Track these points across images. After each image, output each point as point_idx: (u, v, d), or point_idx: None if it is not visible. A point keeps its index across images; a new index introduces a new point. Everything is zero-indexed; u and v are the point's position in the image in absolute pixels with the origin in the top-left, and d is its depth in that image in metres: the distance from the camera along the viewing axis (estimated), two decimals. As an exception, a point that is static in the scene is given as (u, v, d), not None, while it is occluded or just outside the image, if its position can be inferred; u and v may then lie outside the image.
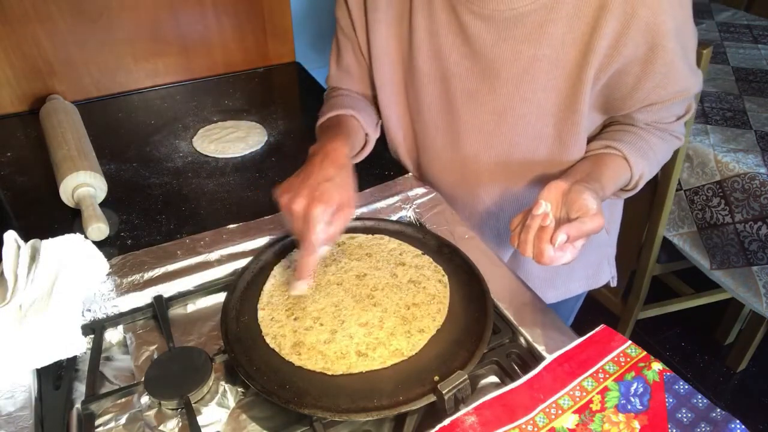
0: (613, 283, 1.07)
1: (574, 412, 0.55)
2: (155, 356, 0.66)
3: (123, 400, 0.61)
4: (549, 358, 0.60)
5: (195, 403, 0.60)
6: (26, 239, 0.71)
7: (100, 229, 0.80)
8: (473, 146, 0.86)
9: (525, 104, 0.79)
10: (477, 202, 0.92)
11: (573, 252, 0.65)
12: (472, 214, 0.93)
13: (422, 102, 0.87)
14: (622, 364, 0.59)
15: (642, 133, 0.82)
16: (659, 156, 0.84)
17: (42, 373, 0.63)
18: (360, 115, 0.89)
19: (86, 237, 0.77)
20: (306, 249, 0.67)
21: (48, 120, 1.01)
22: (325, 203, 0.67)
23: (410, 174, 0.95)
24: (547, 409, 0.55)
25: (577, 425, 0.54)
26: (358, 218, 0.83)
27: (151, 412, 0.59)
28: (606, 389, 0.57)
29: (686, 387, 0.57)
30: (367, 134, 0.91)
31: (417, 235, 0.79)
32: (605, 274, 1.04)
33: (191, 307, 0.74)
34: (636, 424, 0.54)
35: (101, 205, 0.86)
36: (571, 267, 0.97)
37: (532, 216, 0.65)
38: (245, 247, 0.79)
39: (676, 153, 1.26)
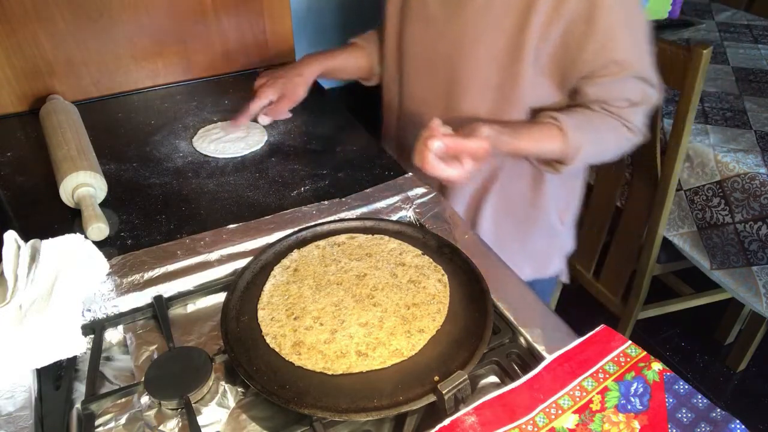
0: (564, 279, 1.13)
1: (574, 412, 0.55)
2: (155, 356, 0.66)
3: (123, 400, 0.61)
4: (549, 358, 0.60)
5: (195, 403, 0.60)
6: (26, 239, 0.71)
7: (100, 229, 0.80)
8: (430, 82, 0.96)
9: (477, 45, 0.86)
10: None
11: (459, 170, 0.75)
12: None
13: (407, 39, 0.97)
14: (622, 364, 0.59)
15: (588, 112, 0.86)
16: (605, 138, 0.87)
17: (42, 373, 0.63)
18: (368, 44, 1.08)
19: (86, 237, 0.77)
20: (245, 110, 1.03)
21: (48, 120, 1.01)
22: (270, 88, 1.02)
23: (410, 174, 0.95)
24: (547, 409, 0.55)
25: (577, 425, 0.54)
26: (358, 218, 0.83)
27: (151, 412, 0.59)
28: (606, 389, 0.57)
29: (686, 387, 0.57)
30: (372, 62, 1.09)
31: (417, 235, 0.79)
32: (554, 266, 1.08)
33: (191, 307, 0.74)
34: (636, 424, 0.54)
35: (101, 205, 0.86)
36: (519, 250, 1.04)
37: (426, 128, 0.75)
38: (245, 247, 0.79)
39: (676, 154, 1.26)
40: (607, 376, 0.58)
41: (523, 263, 1.03)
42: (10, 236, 0.70)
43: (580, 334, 0.63)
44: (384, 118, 1.13)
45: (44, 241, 0.71)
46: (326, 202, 0.88)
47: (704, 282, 1.54)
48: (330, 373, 0.60)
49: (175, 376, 0.61)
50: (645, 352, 0.60)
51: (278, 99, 1.03)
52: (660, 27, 1.87)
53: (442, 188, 1.00)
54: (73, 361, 0.66)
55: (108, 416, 0.60)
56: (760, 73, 1.64)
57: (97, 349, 0.66)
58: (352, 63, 1.09)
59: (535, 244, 1.04)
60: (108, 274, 0.74)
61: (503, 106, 0.89)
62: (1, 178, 0.96)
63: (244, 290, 0.71)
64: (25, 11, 1.07)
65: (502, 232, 1.02)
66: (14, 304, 0.64)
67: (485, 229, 1.02)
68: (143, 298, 0.72)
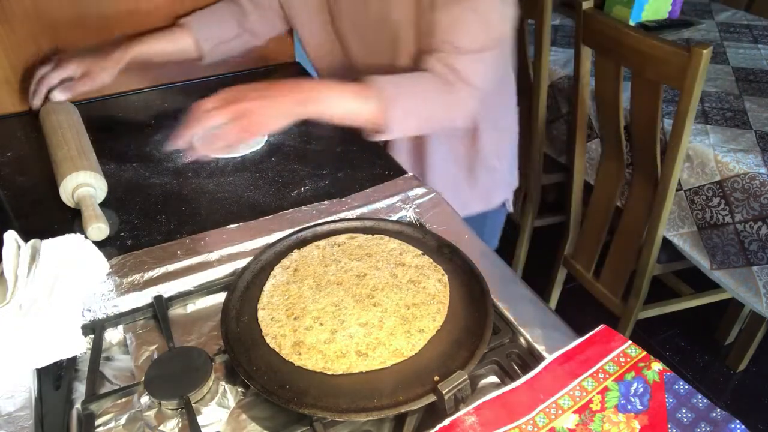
0: (508, 207, 1.23)
1: (574, 412, 0.55)
2: (155, 356, 0.66)
3: (123, 400, 0.61)
4: (549, 358, 0.60)
5: (195, 403, 0.60)
6: (26, 239, 0.71)
7: (100, 229, 0.80)
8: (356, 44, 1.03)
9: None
10: None
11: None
12: None
13: (337, 7, 1.01)
14: (622, 364, 0.59)
15: (416, 72, 0.88)
16: (423, 88, 0.87)
17: (42, 373, 0.63)
18: (198, 23, 1.10)
19: (86, 237, 0.77)
20: (39, 79, 1.05)
21: (48, 120, 1.01)
22: (74, 62, 1.03)
23: (410, 174, 0.95)
24: (547, 409, 0.55)
25: (577, 425, 0.54)
26: (358, 218, 0.83)
27: (151, 412, 0.59)
28: (606, 389, 0.57)
29: (686, 387, 0.57)
30: (199, 42, 1.10)
31: (417, 235, 0.79)
32: (498, 197, 1.19)
33: (191, 307, 0.74)
34: (636, 424, 0.54)
35: (101, 205, 0.86)
36: (467, 189, 1.13)
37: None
38: (245, 247, 0.79)
39: (676, 154, 1.26)
40: (607, 376, 0.58)
41: (472, 200, 1.14)
42: (10, 236, 0.70)
43: (580, 334, 0.63)
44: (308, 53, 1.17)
45: (44, 241, 0.71)
46: (326, 202, 0.88)
47: (704, 282, 1.54)
48: (330, 373, 0.60)
49: (175, 376, 0.61)
50: (645, 352, 0.60)
51: (80, 76, 1.03)
52: (660, 27, 1.87)
53: (386, 143, 1.08)
54: (73, 361, 0.66)
55: (108, 416, 0.60)
56: (760, 73, 1.65)
57: (97, 349, 0.66)
58: (171, 47, 1.10)
59: (479, 182, 1.14)
60: (108, 274, 0.74)
61: (396, 57, 0.96)
62: (1, 178, 0.96)
63: (244, 290, 0.71)
64: (25, 11, 1.07)
65: (450, 177, 1.11)
66: (14, 304, 0.64)
67: (434, 178, 1.09)
68: (143, 298, 0.72)
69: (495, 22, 0.87)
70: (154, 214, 0.88)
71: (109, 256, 0.76)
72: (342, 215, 0.85)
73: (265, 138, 1.06)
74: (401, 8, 0.92)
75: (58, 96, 1.04)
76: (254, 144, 1.04)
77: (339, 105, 0.84)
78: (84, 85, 1.03)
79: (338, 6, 1.01)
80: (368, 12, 0.97)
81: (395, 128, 0.86)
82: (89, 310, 0.70)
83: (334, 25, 1.04)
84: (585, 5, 1.38)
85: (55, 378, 0.63)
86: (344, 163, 1.00)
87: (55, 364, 0.63)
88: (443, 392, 0.56)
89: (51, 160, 0.92)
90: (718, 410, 0.55)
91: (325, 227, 0.80)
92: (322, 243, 0.77)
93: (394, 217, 0.86)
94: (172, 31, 1.11)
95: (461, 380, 0.57)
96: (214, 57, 1.14)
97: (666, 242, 1.47)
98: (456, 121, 0.93)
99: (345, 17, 1.01)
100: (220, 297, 0.73)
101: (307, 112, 0.82)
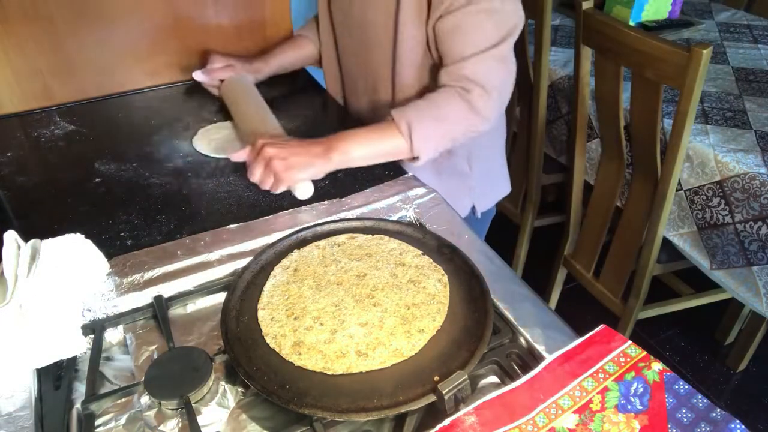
0: (477, 213, 1.22)
1: (574, 412, 0.55)
2: (155, 356, 0.66)
3: (123, 400, 0.61)
4: (549, 358, 0.60)
5: (195, 403, 0.60)
6: (26, 239, 0.71)
7: (308, 185, 0.86)
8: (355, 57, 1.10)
9: (372, 8, 1.00)
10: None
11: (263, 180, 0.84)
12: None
13: (333, 10, 1.11)
14: (622, 364, 0.59)
15: (434, 93, 0.92)
16: (442, 110, 0.90)
17: (42, 373, 0.63)
18: (312, 33, 1.21)
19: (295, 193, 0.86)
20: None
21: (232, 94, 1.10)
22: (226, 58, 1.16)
23: (410, 174, 0.95)
24: (547, 409, 0.55)
25: (577, 425, 0.54)
26: (358, 218, 0.83)
27: (151, 412, 0.59)
28: (606, 389, 0.57)
29: (686, 387, 0.57)
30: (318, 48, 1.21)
31: (417, 235, 0.79)
32: (465, 205, 1.19)
33: (191, 307, 0.74)
34: (636, 424, 0.54)
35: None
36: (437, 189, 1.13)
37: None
38: (245, 247, 0.79)
39: (676, 154, 1.26)
40: (607, 376, 0.58)
41: None
42: (10, 236, 0.70)
43: (580, 334, 0.63)
44: (328, 89, 1.25)
45: (44, 241, 0.71)
46: (326, 202, 0.88)
47: (704, 282, 1.54)
48: (330, 373, 0.60)
49: (175, 376, 0.61)
50: (645, 352, 0.60)
51: (224, 67, 1.14)
52: (660, 27, 1.87)
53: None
54: (73, 361, 0.66)
55: (108, 416, 0.60)
56: (760, 73, 1.64)
57: (97, 349, 0.66)
58: (300, 56, 1.22)
59: (448, 184, 1.13)
60: (108, 274, 0.74)
61: (397, 66, 1.00)
62: (1, 178, 0.96)
63: (244, 290, 0.71)
64: (25, 11, 1.07)
65: (422, 174, 1.10)
66: (14, 304, 0.64)
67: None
68: (143, 298, 0.72)
69: (505, 16, 0.90)
70: (154, 214, 0.88)
71: (109, 256, 0.76)
72: (342, 215, 0.85)
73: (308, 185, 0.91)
74: (376, 10, 0.98)
75: (200, 76, 1.14)
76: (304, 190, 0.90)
77: (365, 149, 0.89)
78: (225, 73, 1.13)
79: (334, 3, 1.10)
80: (352, 9, 1.04)
81: (426, 154, 0.91)
82: (89, 310, 0.70)
83: (331, 23, 1.12)
84: (585, 5, 1.38)
85: (55, 378, 0.63)
86: (344, 163, 1.00)
87: (55, 364, 0.63)
88: (443, 392, 0.56)
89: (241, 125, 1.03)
90: (718, 410, 0.55)
91: (325, 227, 0.80)
92: (322, 243, 0.77)
93: (394, 217, 0.86)
94: (296, 42, 1.22)
95: (461, 380, 0.57)
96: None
97: (666, 242, 1.47)
98: (478, 128, 0.94)
99: (336, 13, 1.09)
100: (220, 297, 0.73)
101: (333, 162, 0.87)
